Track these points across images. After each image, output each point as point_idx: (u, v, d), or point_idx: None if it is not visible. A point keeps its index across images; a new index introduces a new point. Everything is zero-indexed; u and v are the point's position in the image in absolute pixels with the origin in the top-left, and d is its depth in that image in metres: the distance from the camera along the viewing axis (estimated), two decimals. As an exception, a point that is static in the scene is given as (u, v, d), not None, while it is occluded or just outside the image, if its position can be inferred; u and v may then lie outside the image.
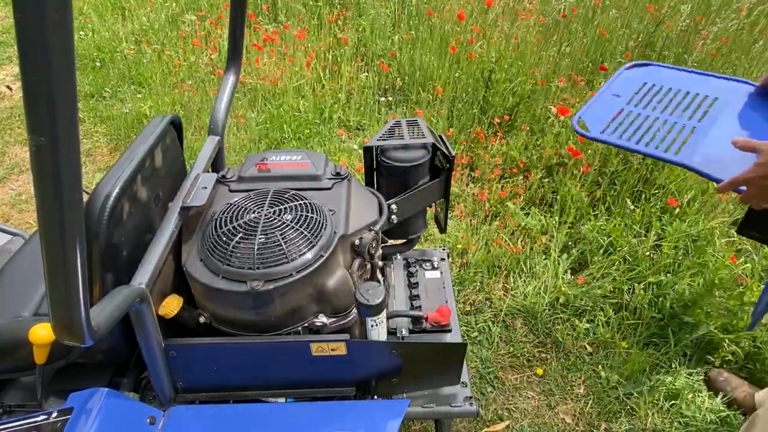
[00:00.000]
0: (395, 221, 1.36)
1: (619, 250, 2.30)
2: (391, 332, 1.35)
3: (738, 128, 1.52)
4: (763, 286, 1.84)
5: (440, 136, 1.43)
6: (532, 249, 2.41)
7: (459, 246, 2.41)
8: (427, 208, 1.52)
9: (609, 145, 1.52)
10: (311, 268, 1.05)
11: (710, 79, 1.70)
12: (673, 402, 1.81)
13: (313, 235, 1.08)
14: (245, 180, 1.28)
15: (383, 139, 1.39)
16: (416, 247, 1.61)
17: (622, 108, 1.59)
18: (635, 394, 1.85)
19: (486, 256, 2.36)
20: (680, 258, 2.24)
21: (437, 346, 1.21)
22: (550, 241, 2.43)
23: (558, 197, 2.57)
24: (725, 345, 1.91)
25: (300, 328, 1.12)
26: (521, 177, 2.73)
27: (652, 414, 1.79)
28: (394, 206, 1.34)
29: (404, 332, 1.36)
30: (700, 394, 1.82)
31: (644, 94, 1.65)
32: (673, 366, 1.93)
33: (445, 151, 1.37)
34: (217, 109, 1.51)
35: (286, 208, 1.12)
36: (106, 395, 0.96)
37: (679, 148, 1.45)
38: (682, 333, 1.95)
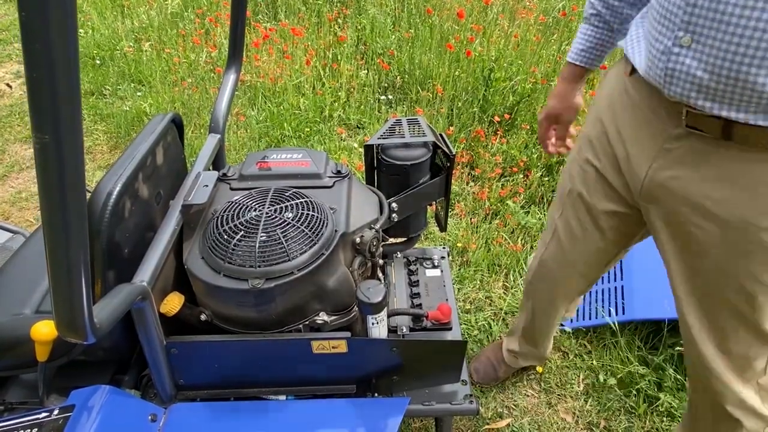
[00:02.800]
0: (396, 219, 1.37)
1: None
2: (392, 330, 1.36)
3: (648, 271, 1.95)
4: None
5: (441, 135, 1.43)
6: (532, 247, 2.41)
7: (459, 244, 2.42)
8: (428, 207, 1.53)
9: (584, 327, 2.02)
10: (312, 266, 1.05)
11: None
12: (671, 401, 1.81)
13: (314, 233, 1.08)
14: (246, 178, 1.29)
15: (384, 138, 1.40)
16: (416, 245, 1.61)
17: None
18: (634, 392, 1.85)
19: (486, 254, 2.36)
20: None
21: (437, 344, 1.21)
22: (549, 239, 2.43)
23: (558, 196, 2.58)
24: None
25: (301, 326, 1.12)
26: (521, 175, 2.73)
27: (651, 412, 1.80)
28: (394, 205, 1.35)
29: (405, 330, 1.36)
30: (699, 393, 1.83)
31: None
32: (673, 365, 1.93)
33: (446, 149, 1.37)
34: (218, 107, 1.51)
35: (286, 206, 1.12)
36: (107, 392, 0.96)
37: (623, 310, 1.96)
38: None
